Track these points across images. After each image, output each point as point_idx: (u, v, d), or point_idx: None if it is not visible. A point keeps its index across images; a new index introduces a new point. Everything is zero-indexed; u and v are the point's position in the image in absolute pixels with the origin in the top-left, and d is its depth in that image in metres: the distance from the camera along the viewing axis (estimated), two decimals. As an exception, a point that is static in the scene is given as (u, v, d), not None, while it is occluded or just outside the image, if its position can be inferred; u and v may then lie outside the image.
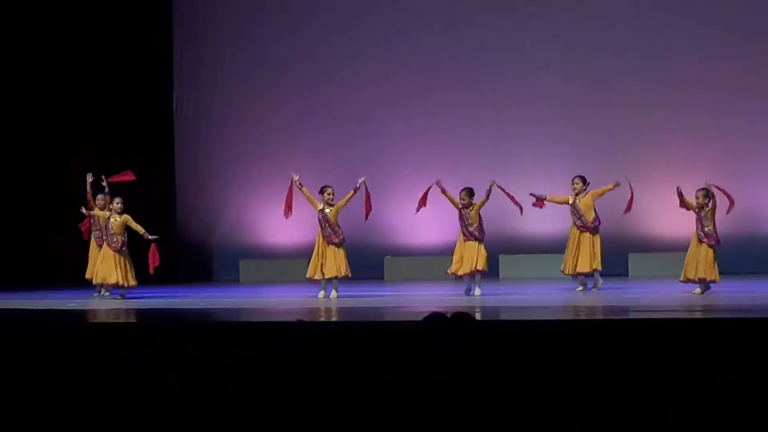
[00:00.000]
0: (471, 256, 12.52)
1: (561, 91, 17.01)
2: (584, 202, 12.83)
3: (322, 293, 12.72)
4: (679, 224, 16.48)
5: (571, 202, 12.88)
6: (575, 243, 12.82)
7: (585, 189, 12.91)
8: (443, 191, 12.78)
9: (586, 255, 12.71)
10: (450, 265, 12.79)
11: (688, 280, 12.10)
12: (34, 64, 16.54)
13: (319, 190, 13.02)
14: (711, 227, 12.08)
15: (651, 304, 10.75)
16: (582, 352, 6.60)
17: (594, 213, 12.84)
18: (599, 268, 12.80)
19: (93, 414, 4.09)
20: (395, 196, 16.64)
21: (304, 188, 13.01)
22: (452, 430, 4.49)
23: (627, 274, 15.78)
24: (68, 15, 16.81)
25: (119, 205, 13.09)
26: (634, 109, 16.82)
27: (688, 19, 16.67)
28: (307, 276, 12.86)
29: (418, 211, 13.11)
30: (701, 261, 12.00)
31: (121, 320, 10.19)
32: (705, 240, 12.07)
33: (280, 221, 18.19)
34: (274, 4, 18.17)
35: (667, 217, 16.64)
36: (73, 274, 14.24)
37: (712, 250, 12.05)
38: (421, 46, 17.58)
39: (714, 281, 12.05)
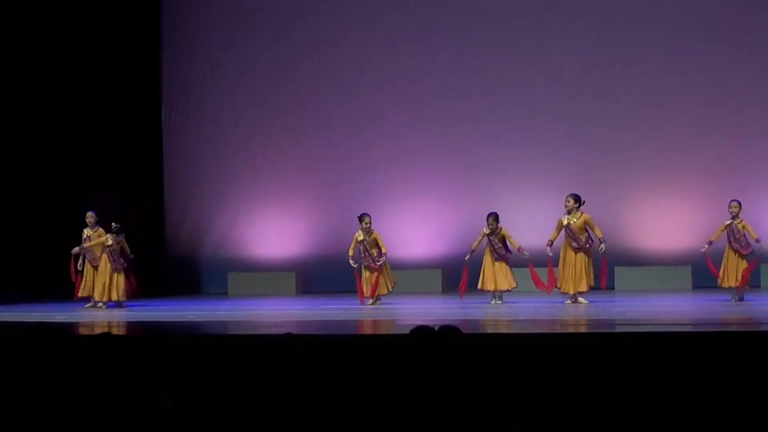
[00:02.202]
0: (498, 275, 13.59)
1: (558, 108, 17.03)
2: (578, 224, 12.99)
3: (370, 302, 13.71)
4: (664, 239, 16.62)
5: (565, 223, 13.04)
6: (571, 263, 13.01)
7: (578, 207, 13.02)
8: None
9: (579, 273, 12.98)
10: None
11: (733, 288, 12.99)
12: (20, 70, 16.40)
13: (357, 217, 13.90)
14: (743, 238, 12.85)
15: (637, 317, 10.76)
16: (569, 365, 6.62)
17: (587, 233, 13.03)
18: (590, 285, 13.12)
19: (84, 423, 4.11)
20: (385, 209, 16.71)
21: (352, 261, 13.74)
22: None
23: (613, 288, 15.76)
24: (57, 24, 16.70)
25: (121, 234, 13.99)
26: (624, 128, 16.84)
27: (692, 33, 16.78)
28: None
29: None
30: (737, 270, 12.84)
31: (110, 332, 10.20)
32: (740, 250, 12.86)
33: (267, 235, 18.27)
34: (264, 15, 18.14)
35: (652, 232, 16.76)
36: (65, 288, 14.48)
37: (743, 259, 12.87)
38: (416, 58, 17.59)
39: (744, 288, 12.93)
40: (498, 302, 13.45)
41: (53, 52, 16.66)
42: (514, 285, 13.54)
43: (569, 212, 13.04)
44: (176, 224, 18.38)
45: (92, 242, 14.08)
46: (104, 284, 13.83)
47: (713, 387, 5.82)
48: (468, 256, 13.65)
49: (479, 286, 13.57)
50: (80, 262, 14.16)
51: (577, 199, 13.07)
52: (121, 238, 13.94)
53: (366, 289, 13.58)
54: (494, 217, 13.53)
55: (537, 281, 13.47)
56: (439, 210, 17.38)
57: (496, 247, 13.47)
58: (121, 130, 17.44)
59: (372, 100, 17.71)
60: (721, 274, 12.98)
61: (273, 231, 18.04)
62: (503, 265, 13.50)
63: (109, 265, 13.88)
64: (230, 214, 18.23)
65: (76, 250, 14.09)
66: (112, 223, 14.05)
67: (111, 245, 13.90)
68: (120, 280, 13.87)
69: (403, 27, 17.66)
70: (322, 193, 17.85)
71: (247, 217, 18.17)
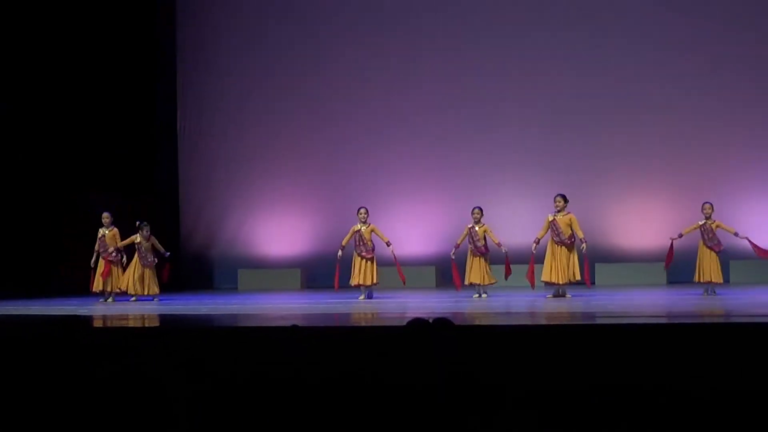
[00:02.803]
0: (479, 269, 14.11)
1: (544, 114, 17.54)
2: (563, 220, 13.58)
3: (361, 297, 14.35)
4: (642, 237, 17.02)
5: (551, 219, 13.60)
6: (555, 256, 13.58)
7: (566, 206, 13.59)
8: None
9: (563, 266, 13.51)
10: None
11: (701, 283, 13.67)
12: (39, 78, 16.61)
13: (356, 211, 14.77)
14: (715, 237, 13.54)
15: (617, 310, 11.06)
16: (550, 356, 6.99)
17: (570, 231, 13.59)
18: (576, 278, 13.58)
19: (97, 415, 4.48)
20: (383, 210, 17.12)
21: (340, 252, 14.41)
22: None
23: (594, 283, 16.11)
24: (64, 26, 16.87)
25: (145, 227, 14.65)
26: (606, 134, 17.40)
27: (671, 42, 17.27)
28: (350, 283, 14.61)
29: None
30: (711, 266, 13.53)
31: (126, 325, 10.46)
32: (713, 248, 13.55)
33: (275, 234, 18.63)
34: (279, 24, 18.60)
35: (630, 231, 17.17)
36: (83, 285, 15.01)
37: (716, 256, 13.55)
38: (412, 68, 18.09)
39: (718, 283, 13.61)
40: (484, 296, 13.88)
41: (56, 53, 16.79)
42: (491, 281, 14.01)
43: (558, 211, 13.63)
44: (191, 225, 18.85)
45: (124, 241, 14.62)
46: (137, 279, 14.47)
47: (687, 375, 5.98)
48: (453, 251, 14.13)
49: (465, 282, 14.12)
50: (94, 258, 14.69)
51: (565, 198, 13.72)
52: (148, 234, 14.53)
53: (355, 278, 14.34)
54: (479, 209, 14.14)
55: (507, 271, 14.00)
56: (434, 211, 17.82)
57: (475, 239, 13.95)
58: (123, 131, 17.68)
59: (372, 108, 18.18)
60: (696, 270, 13.64)
61: (280, 231, 18.50)
62: (481, 260, 13.98)
63: (139, 262, 14.48)
64: (240, 215, 18.73)
65: (111, 250, 14.60)
66: (137, 222, 14.65)
67: (140, 242, 14.53)
68: (148, 275, 14.53)
69: (401, 38, 18.14)
70: (325, 196, 18.26)
71: (256, 218, 18.62)
